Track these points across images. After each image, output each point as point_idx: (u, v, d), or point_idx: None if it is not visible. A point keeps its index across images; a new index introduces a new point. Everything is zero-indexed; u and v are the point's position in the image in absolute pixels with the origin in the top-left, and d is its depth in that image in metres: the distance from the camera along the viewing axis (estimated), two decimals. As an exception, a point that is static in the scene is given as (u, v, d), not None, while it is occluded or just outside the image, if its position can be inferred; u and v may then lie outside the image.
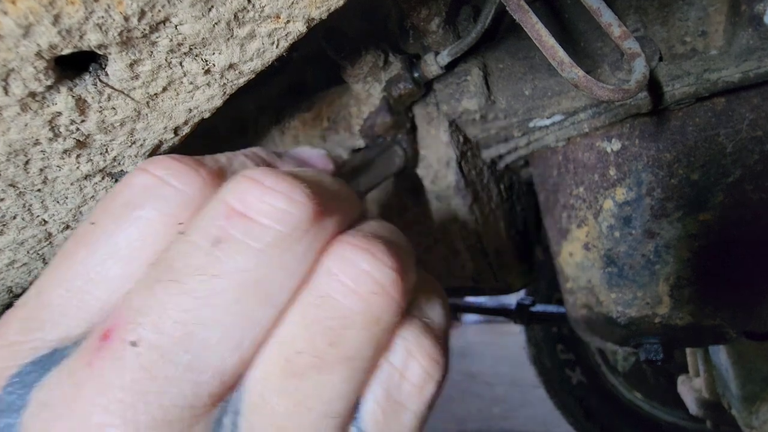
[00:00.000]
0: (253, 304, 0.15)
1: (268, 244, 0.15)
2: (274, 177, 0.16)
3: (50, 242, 0.34)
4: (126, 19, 0.22)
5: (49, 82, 0.24)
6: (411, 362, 0.17)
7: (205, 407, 0.15)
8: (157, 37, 0.24)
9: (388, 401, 0.17)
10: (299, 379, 0.15)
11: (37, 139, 0.26)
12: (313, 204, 0.16)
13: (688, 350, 1.24)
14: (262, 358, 0.15)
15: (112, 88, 0.26)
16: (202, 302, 0.15)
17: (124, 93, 0.27)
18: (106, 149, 0.30)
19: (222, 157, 0.21)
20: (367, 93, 0.54)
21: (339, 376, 0.15)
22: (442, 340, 0.18)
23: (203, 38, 0.25)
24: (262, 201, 0.15)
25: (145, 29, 0.23)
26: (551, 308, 1.54)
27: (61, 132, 0.27)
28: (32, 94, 0.24)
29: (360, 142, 0.56)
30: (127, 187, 0.18)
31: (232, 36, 0.26)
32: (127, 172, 0.32)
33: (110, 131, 0.28)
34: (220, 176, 0.19)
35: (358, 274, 0.15)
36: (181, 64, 0.26)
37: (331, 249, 0.16)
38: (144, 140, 0.30)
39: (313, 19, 0.27)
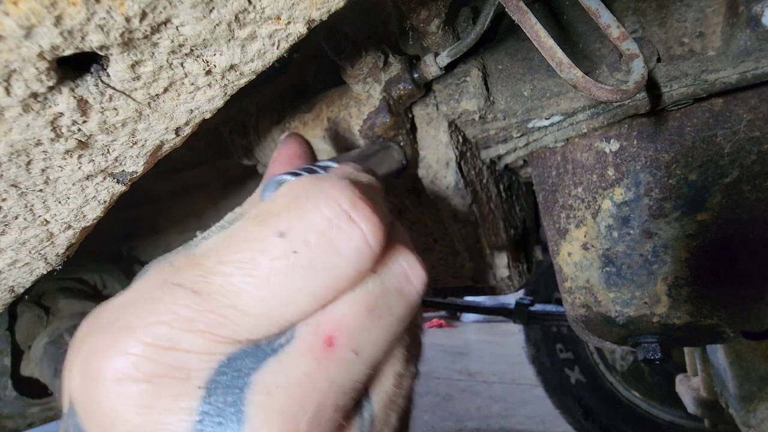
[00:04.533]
0: (395, 341, 0.22)
1: (415, 301, 0.23)
2: (422, 263, 0.24)
3: (52, 242, 0.34)
4: (127, 20, 0.22)
5: (50, 83, 0.24)
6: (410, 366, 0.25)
7: (357, 400, 0.21)
8: (158, 38, 0.24)
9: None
10: (396, 396, 0.23)
11: (39, 140, 0.26)
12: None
13: (686, 349, 1.25)
14: (383, 379, 0.23)
15: (114, 88, 0.26)
16: (388, 329, 0.22)
17: (125, 94, 0.27)
18: (108, 149, 0.30)
19: (377, 195, 0.25)
20: (367, 93, 0.54)
21: (408, 398, 0.24)
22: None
23: (204, 39, 0.25)
24: (420, 275, 0.23)
25: (146, 30, 0.23)
26: (550, 308, 1.54)
27: (62, 132, 0.27)
28: (34, 95, 0.24)
29: (360, 143, 0.57)
30: (328, 225, 0.20)
31: (233, 37, 0.26)
32: (128, 172, 0.33)
33: (112, 132, 0.28)
34: (389, 232, 0.23)
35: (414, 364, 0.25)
36: (182, 65, 0.26)
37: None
38: (145, 141, 0.31)
39: (313, 20, 0.27)
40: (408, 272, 0.23)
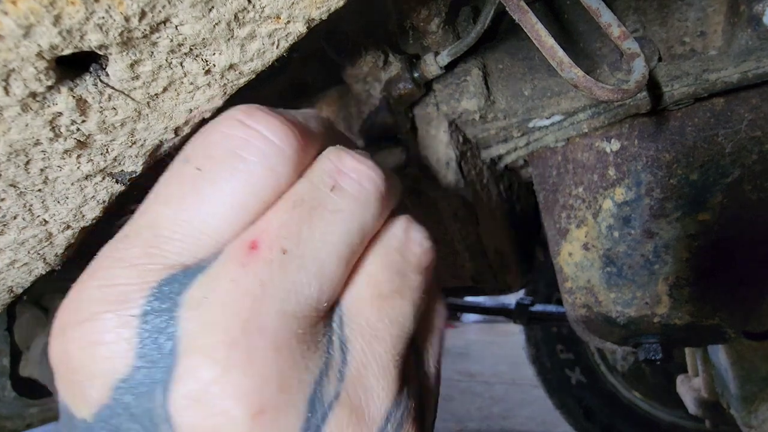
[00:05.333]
0: (355, 236, 0.21)
1: (365, 197, 0.21)
2: (360, 154, 0.23)
3: (51, 242, 0.34)
4: (126, 19, 0.22)
5: (49, 83, 0.24)
6: (441, 314, 0.26)
7: (322, 310, 0.20)
8: (157, 38, 0.24)
9: (431, 336, 0.25)
10: (383, 300, 0.22)
11: (37, 140, 0.26)
12: (385, 177, 0.23)
13: (687, 350, 1.24)
14: (354, 284, 0.21)
15: (113, 88, 0.26)
16: (326, 228, 0.20)
17: (124, 93, 0.27)
18: (107, 149, 0.30)
19: (299, 117, 0.24)
20: (367, 93, 0.54)
21: (407, 301, 0.22)
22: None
23: (204, 39, 0.25)
24: (356, 169, 0.22)
25: (145, 30, 0.23)
26: (550, 308, 1.54)
27: (61, 132, 0.27)
28: (33, 95, 0.24)
29: (360, 142, 0.56)
30: (226, 137, 0.20)
31: (232, 36, 0.26)
32: (127, 172, 0.32)
33: (111, 131, 0.28)
34: (305, 134, 0.22)
35: (415, 241, 0.23)
36: (181, 64, 0.26)
37: (396, 219, 0.24)
38: (144, 140, 0.31)
39: (313, 19, 0.27)
40: (341, 168, 0.22)
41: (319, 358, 0.19)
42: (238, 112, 0.21)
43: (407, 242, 0.23)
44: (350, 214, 0.21)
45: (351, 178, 0.22)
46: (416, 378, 0.23)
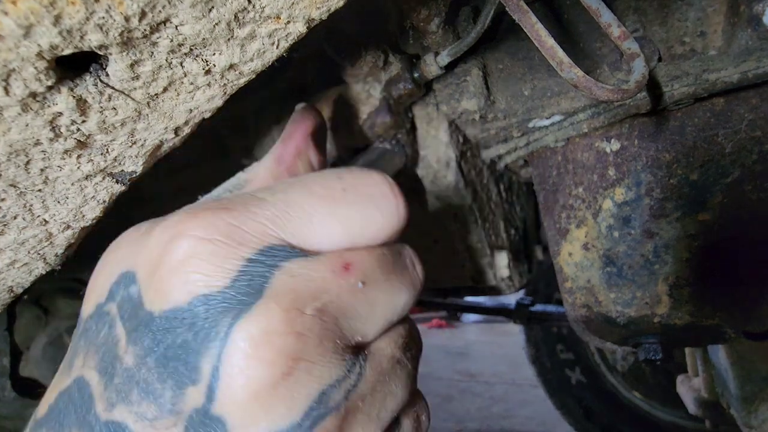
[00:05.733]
0: (401, 308, 0.26)
1: (416, 288, 0.27)
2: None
3: (51, 242, 0.34)
4: (127, 19, 0.22)
5: (49, 83, 0.24)
6: (425, 410, 0.29)
7: (356, 344, 0.24)
8: (157, 38, 0.24)
9: (414, 423, 0.28)
10: (395, 362, 0.26)
11: (38, 140, 0.26)
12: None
13: (687, 350, 1.24)
14: (382, 339, 0.26)
15: (113, 88, 0.26)
16: (391, 290, 0.25)
17: (124, 93, 0.27)
18: (107, 149, 0.30)
19: None
20: (367, 93, 0.54)
21: (407, 374, 0.26)
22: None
23: (204, 39, 0.25)
24: (419, 267, 0.28)
25: (145, 30, 0.23)
26: (550, 308, 1.54)
27: (61, 132, 0.27)
28: (33, 95, 0.24)
29: (360, 143, 0.56)
30: (377, 185, 0.25)
31: (232, 36, 0.26)
32: (127, 172, 0.32)
33: (111, 131, 0.28)
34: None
35: (418, 336, 0.29)
36: (181, 64, 0.26)
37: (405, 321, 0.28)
38: (144, 140, 0.31)
39: (313, 19, 0.27)
40: (414, 261, 0.28)
41: (340, 370, 0.22)
42: (390, 178, 0.26)
43: (415, 331, 0.28)
44: (406, 293, 0.26)
45: (416, 271, 0.28)
46: None
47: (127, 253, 0.25)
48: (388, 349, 0.25)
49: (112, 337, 0.23)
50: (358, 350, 0.24)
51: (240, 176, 0.32)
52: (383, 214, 0.25)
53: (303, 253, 0.23)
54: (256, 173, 0.32)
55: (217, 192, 0.32)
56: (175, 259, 0.22)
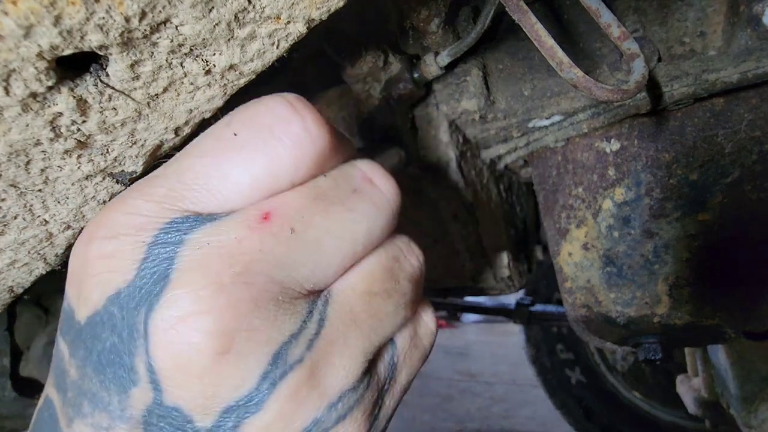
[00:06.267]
0: (362, 237, 0.23)
1: (382, 206, 0.23)
2: (383, 168, 0.25)
3: (51, 242, 0.34)
4: (127, 19, 0.22)
5: (50, 83, 0.24)
6: (427, 317, 0.27)
7: (309, 291, 0.22)
8: (157, 38, 0.24)
9: (414, 336, 0.26)
10: (371, 296, 0.23)
11: (38, 140, 0.26)
12: (402, 198, 0.25)
13: (687, 350, 1.24)
14: (349, 275, 0.23)
15: (113, 88, 0.26)
16: (337, 222, 0.22)
17: (124, 93, 0.27)
18: (107, 149, 0.30)
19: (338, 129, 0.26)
20: (367, 93, 0.54)
21: (393, 303, 0.24)
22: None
23: (204, 39, 0.25)
24: (383, 181, 0.24)
25: (145, 30, 0.23)
26: (550, 308, 1.54)
27: (62, 132, 0.27)
28: (33, 95, 0.24)
29: (360, 143, 0.56)
30: (270, 112, 0.22)
31: (232, 37, 0.26)
32: (127, 172, 0.33)
33: (111, 132, 0.28)
34: (339, 142, 0.23)
35: (414, 253, 0.26)
36: (181, 64, 0.26)
37: (399, 234, 0.25)
38: (145, 141, 0.31)
39: (313, 19, 0.27)
40: (369, 176, 0.24)
41: (293, 324, 0.21)
42: (290, 95, 0.23)
43: (407, 252, 0.25)
44: (364, 217, 0.23)
45: (375, 186, 0.24)
46: (383, 378, 0.25)
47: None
48: (359, 285, 0.23)
49: (59, 352, 0.23)
50: (314, 297, 0.22)
51: None
52: (289, 143, 0.21)
53: (212, 217, 0.21)
54: None
55: None
56: (87, 265, 0.21)
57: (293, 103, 0.22)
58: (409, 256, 0.25)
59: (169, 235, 0.21)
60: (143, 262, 0.20)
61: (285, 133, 0.21)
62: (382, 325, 0.23)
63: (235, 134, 0.22)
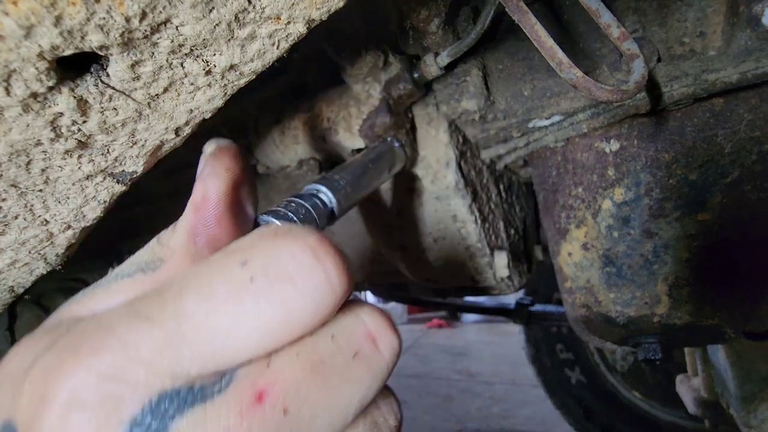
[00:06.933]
0: (355, 409, 0.20)
1: (380, 371, 0.21)
2: (391, 320, 0.23)
3: (52, 242, 0.34)
4: (127, 20, 0.22)
5: (50, 83, 0.24)
6: (390, 415, 0.24)
7: None
8: (158, 38, 0.24)
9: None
10: None
11: (38, 140, 0.26)
12: (400, 351, 0.23)
13: (686, 350, 1.24)
14: None
15: (114, 88, 0.26)
16: (334, 398, 0.20)
17: (125, 94, 0.27)
18: (108, 149, 0.30)
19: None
20: (366, 93, 0.54)
21: None
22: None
23: (204, 39, 0.25)
24: (388, 337, 0.22)
25: (146, 30, 0.23)
26: (550, 308, 1.54)
27: (62, 132, 0.27)
28: (34, 95, 0.24)
29: (360, 143, 0.56)
30: (292, 260, 0.19)
31: (232, 37, 0.26)
32: (128, 172, 0.33)
33: (111, 132, 0.28)
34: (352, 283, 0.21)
35: (392, 418, 0.23)
36: (182, 65, 0.26)
37: (387, 393, 0.23)
38: (145, 141, 0.31)
39: (313, 20, 0.27)
40: (374, 335, 0.21)
41: None
42: (312, 237, 0.20)
43: (388, 415, 0.23)
44: (360, 388, 0.20)
45: (377, 349, 0.21)
46: None
47: (10, 393, 0.19)
48: None
49: None
50: None
51: (155, 250, 0.24)
52: (309, 296, 0.19)
53: (204, 390, 0.18)
54: (172, 251, 0.24)
55: (128, 268, 0.24)
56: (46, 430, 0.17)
57: (316, 247, 0.20)
58: (390, 420, 0.23)
59: (154, 417, 0.17)
60: None
61: (307, 285, 0.19)
62: None
63: (252, 279, 0.19)
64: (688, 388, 1.21)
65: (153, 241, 0.25)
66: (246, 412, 0.18)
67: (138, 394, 0.17)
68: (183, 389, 0.18)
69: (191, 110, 0.30)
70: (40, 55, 0.22)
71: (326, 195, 0.33)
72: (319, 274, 0.19)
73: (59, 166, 0.29)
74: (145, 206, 0.91)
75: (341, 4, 0.26)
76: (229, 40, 0.26)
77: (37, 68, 0.23)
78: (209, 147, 0.26)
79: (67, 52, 0.23)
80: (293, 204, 0.31)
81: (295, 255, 0.19)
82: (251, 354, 0.19)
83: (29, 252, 0.34)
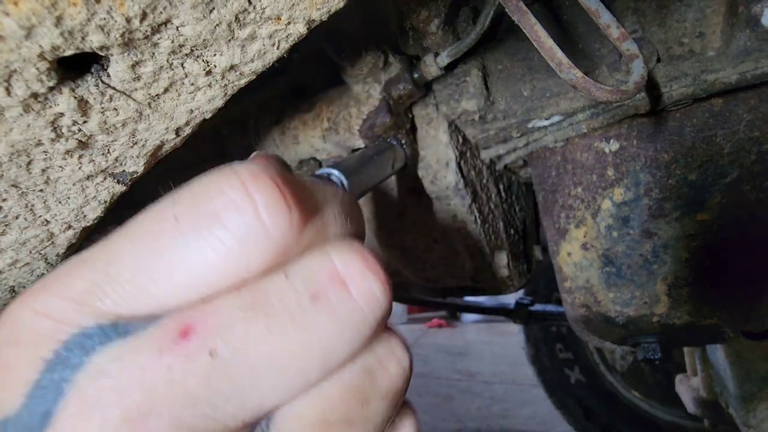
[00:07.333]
0: (316, 364, 0.17)
1: (353, 321, 0.18)
2: (377, 260, 0.19)
3: (52, 242, 0.34)
4: (128, 20, 0.22)
5: (51, 83, 0.24)
6: (407, 423, 0.22)
7: (237, 428, 0.17)
8: (158, 39, 0.24)
9: None
10: (327, 428, 0.18)
11: (39, 140, 0.26)
12: (391, 300, 0.19)
13: (686, 349, 1.25)
14: (299, 401, 0.18)
15: (114, 89, 0.26)
16: (279, 346, 0.17)
17: (125, 94, 0.27)
18: (108, 150, 0.30)
19: (319, 195, 0.20)
20: (366, 93, 0.54)
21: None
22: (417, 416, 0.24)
23: (204, 40, 0.25)
24: (364, 279, 0.18)
25: (146, 31, 0.23)
26: (550, 308, 1.54)
27: (63, 133, 0.27)
28: (35, 95, 0.24)
29: (360, 143, 0.57)
30: (219, 195, 0.17)
31: (233, 37, 0.26)
32: (128, 172, 0.33)
33: (112, 132, 0.28)
34: (310, 221, 0.18)
35: (393, 364, 0.20)
36: (182, 65, 0.27)
37: (382, 337, 0.20)
38: (146, 141, 0.31)
39: (313, 20, 0.27)
40: (342, 274, 0.18)
41: None
42: (247, 170, 0.18)
43: (387, 360, 0.19)
44: (320, 340, 0.17)
45: (347, 291, 0.18)
46: None
47: None
48: (309, 415, 0.17)
49: None
50: (248, 429, 0.17)
51: None
52: (239, 235, 0.17)
53: (128, 327, 0.17)
54: None
55: None
56: None
57: (247, 180, 0.17)
58: (389, 365, 0.19)
59: (72, 353, 0.16)
60: (35, 388, 0.16)
61: (233, 222, 0.17)
62: None
63: (176, 218, 0.17)
64: (688, 388, 1.21)
65: None
66: (166, 348, 0.16)
67: (62, 331, 0.17)
68: (107, 325, 0.17)
69: (191, 110, 0.30)
70: (41, 56, 0.22)
71: (338, 178, 0.33)
72: (248, 210, 0.17)
73: (60, 167, 0.29)
74: (146, 207, 0.90)
75: (341, 4, 0.26)
76: (229, 40, 0.26)
77: (37, 68, 0.23)
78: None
79: (68, 53, 0.23)
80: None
81: (222, 189, 0.17)
82: (181, 295, 0.17)
83: (30, 252, 0.34)
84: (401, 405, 0.22)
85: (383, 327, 0.19)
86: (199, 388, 0.16)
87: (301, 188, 0.19)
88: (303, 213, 0.18)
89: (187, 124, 0.31)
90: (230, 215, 0.17)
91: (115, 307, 0.17)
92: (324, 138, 0.58)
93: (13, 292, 0.38)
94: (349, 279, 0.18)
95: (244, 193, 0.17)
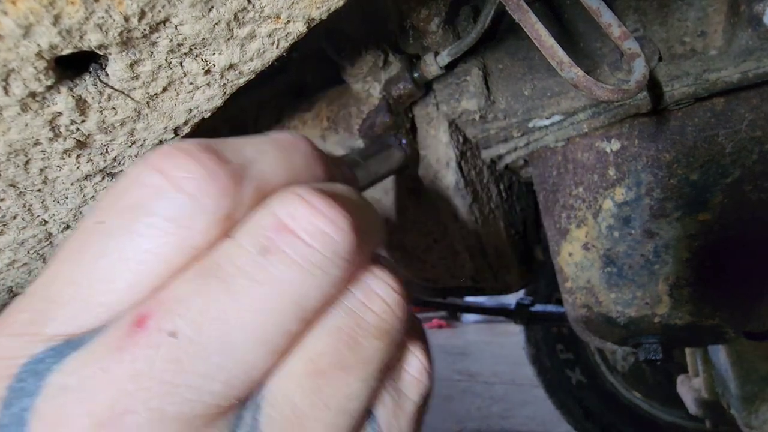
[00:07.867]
0: (288, 315, 0.16)
1: (312, 263, 0.16)
2: (323, 200, 0.17)
3: (50, 242, 0.34)
4: (126, 19, 0.22)
5: (49, 83, 0.24)
6: (413, 360, 0.21)
7: (228, 406, 0.16)
8: (157, 38, 0.24)
9: (397, 397, 0.20)
10: (320, 378, 0.17)
11: (37, 139, 0.26)
12: (355, 235, 0.17)
13: (687, 350, 1.24)
14: (286, 362, 0.17)
15: (113, 88, 0.26)
16: (243, 305, 0.16)
17: (124, 93, 0.27)
18: (107, 149, 0.30)
19: (247, 149, 0.18)
20: (366, 93, 0.54)
21: (356, 377, 0.18)
22: (429, 347, 0.22)
23: (203, 38, 0.25)
24: (311, 223, 0.17)
25: (145, 29, 0.23)
26: (551, 308, 1.54)
27: (61, 132, 0.27)
28: (32, 94, 0.24)
29: (359, 142, 0.56)
30: (136, 186, 0.17)
31: (232, 36, 0.26)
32: (127, 172, 0.32)
33: (110, 131, 0.28)
34: (242, 177, 0.17)
35: (378, 301, 0.19)
36: (181, 64, 0.26)
37: (361, 276, 0.19)
38: (144, 140, 0.30)
39: (313, 19, 0.27)
40: (285, 221, 0.16)
41: None
42: (156, 153, 0.17)
43: (370, 298, 0.18)
44: (284, 287, 0.16)
45: (294, 236, 0.16)
46: None
47: None
48: (300, 371, 0.17)
49: None
50: (239, 407, 0.16)
51: None
52: (168, 214, 0.16)
53: (79, 341, 0.16)
54: None
55: None
56: None
57: (161, 162, 0.16)
58: (373, 303, 0.18)
59: (26, 382, 0.15)
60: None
61: (158, 205, 0.16)
62: (343, 412, 0.17)
63: (101, 222, 0.16)
64: (689, 389, 1.21)
65: None
66: (124, 343, 0.15)
67: (10, 366, 0.16)
68: (60, 346, 0.16)
69: (190, 110, 0.30)
70: (39, 55, 0.22)
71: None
72: (170, 190, 0.16)
73: (58, 166, 0.29)
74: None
75: (341, 3, 0.26)
76: (228, 39, 0.26)
77: (35, 68, 0.23)
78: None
79: (66, 52, 0.23)
80: None
81: (137, 179, 0.16)
82: (132, 294, 0.16)
83: (28, 252, 0.34)
84: (410, 339, 0.21)
85: (360, 265, 0.18)
86: (170, 374, 0.15)
87: (226, 148, 0.18)
88: (231, 173, 0.17)
89: (185, 123, 0.31)
90: (152, 199, 0.16)
91: (64, 327, 0.16)
92: (324, 137, 0.58)
93: (11, 293, 0.38)
94: (296, 226, 0.16)
95: (158, 174, 0.16)
